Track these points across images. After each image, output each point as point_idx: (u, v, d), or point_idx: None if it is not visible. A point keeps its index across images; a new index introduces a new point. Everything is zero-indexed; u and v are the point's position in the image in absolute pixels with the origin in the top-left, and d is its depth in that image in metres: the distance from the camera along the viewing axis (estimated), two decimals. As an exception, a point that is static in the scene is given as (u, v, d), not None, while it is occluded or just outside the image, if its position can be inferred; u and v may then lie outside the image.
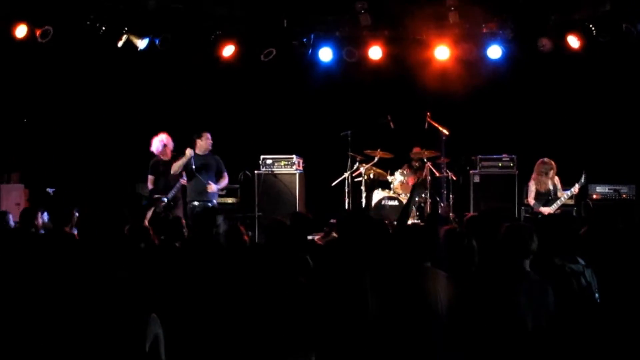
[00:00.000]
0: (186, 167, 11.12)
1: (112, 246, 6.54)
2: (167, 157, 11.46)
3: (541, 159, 11.58)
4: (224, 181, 11.56)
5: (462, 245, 5.33)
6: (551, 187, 11.60)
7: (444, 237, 5.45)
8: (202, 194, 11.16)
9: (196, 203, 11.09)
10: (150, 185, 11.53)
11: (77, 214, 8.17)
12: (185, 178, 11.25)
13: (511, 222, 6.02)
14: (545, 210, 11.48)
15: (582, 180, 11.51)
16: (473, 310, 4.97)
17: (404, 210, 7.41)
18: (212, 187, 11.21)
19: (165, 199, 11.10)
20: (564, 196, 11.52)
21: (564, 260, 5.52)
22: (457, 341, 4.88)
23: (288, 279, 5.53)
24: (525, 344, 4.85)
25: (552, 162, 11.53)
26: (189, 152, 11.02)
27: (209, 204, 11.03)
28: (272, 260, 5.90)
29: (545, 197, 11.60)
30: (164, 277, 5.90)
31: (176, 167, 11.13)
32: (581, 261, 5.62)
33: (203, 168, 11.22)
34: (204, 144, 11.30)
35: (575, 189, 11.54)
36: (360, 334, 4.91)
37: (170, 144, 11.50)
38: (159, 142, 11.45)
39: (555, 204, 11.49)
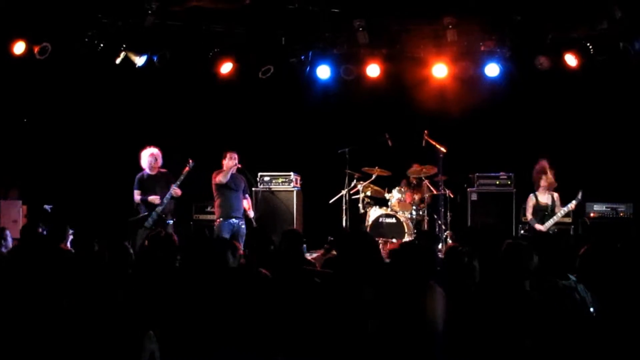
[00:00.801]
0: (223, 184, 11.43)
1: (107, 263, 6.53)
2: (154, 171, 11.42)
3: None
4: (249, 202, 11.91)
5: (463, 263, 5.32)
6: (549, 203, 11.70)
7: (446, 255, 5.45)
8: (238, 210, 11.48)
9: (233, 220, 11.36)
10: (137, 197, 11.33)
11: (71, 231, 8.16)
12: (175, 188, 11.20)
13: (504, 238, 6.03)
14: (540, 228, 11.57)
15: (579, 196, 11.58)
16: (472, 329, 4.95)
17: None
18: (250, 214, 11.78)
19: (154, 216, 11.11)
20: (560, 212, 11.59)
21: (556, 278, 5.52)
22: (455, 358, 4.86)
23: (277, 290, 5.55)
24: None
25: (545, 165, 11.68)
26: (233, 164, 11.44)
27: (241, 222, 11.45)
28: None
29: (543, 212, 11.68)
30: (160, 295, 5.88)
31: (222, 176, 11.43)
32: (573, 277, 5.63)
33: (236, 186, 11.55)
34: (229, 163, 11.55)
35: (572, 205, 11.61)
36: (358, 350, 4.89)
37: (159, 160, 11.48)
38: (150, 156, 11.41)
39: (551, 220, 11.57)
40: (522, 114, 13.72)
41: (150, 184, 11.35)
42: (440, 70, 13.09)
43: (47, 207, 13.09)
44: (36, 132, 14.03)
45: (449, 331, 4.93)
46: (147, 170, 11.43)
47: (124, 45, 12.70)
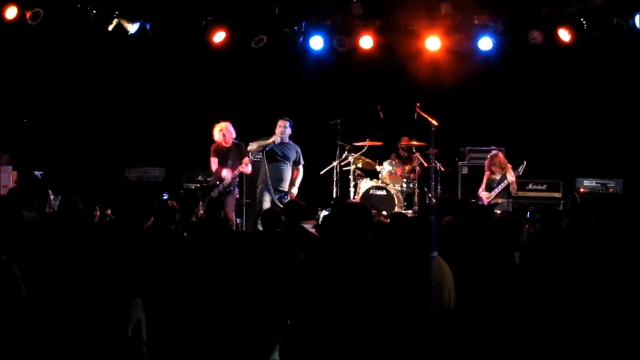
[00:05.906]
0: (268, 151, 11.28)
1: (94, 230, 6.54)
2: (227, 144, 11.26)
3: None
4: (298, 174, 11.61)
5: (465, 235, 5.32)
6: (497, 177, 11.77)
7: (447, 227, 5.43)
8: (280, 182, 11.28)
9: (271, 190, 11.14)
10: (214, 167, 11.21)
11: (52, 196, 8.12)
12: (246, 165, 11.15)
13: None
14: (484, 195, 11.70)
15: (520, 170, 11.68)
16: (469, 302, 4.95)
17: None
18: (292, 190, 11.38)
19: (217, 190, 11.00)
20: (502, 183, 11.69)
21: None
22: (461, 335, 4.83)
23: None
24: (514, 336, 4.85)
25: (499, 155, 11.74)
26: (274, 137, 11.26)
27: (284, 195, 11.20)
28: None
29: (490, 185, 11.82)
30: (149, 262, 5.89)
31: (255, 145, 11.23)
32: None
33: (282, 155, 11.40)
34: (277, 130, 11.36)
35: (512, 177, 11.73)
36: (347, 331, 4.77)
37: (230, 134, 11.26)
38: (219, 132, 11.21)
39: (494, 191, 11.69)
40: (514, 89, 13.72)
41: (225, 155, 11.18)
42: (433, 43, 13.08)
43: (37, 173, 13.06)
44: (28, 98, 13.97)
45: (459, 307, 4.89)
46: (222, 143, 11.28)
47: (117, 12, 12.64)
